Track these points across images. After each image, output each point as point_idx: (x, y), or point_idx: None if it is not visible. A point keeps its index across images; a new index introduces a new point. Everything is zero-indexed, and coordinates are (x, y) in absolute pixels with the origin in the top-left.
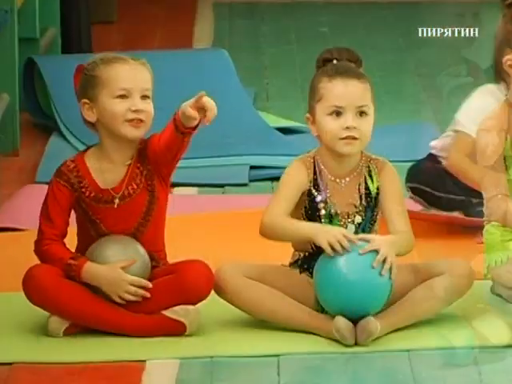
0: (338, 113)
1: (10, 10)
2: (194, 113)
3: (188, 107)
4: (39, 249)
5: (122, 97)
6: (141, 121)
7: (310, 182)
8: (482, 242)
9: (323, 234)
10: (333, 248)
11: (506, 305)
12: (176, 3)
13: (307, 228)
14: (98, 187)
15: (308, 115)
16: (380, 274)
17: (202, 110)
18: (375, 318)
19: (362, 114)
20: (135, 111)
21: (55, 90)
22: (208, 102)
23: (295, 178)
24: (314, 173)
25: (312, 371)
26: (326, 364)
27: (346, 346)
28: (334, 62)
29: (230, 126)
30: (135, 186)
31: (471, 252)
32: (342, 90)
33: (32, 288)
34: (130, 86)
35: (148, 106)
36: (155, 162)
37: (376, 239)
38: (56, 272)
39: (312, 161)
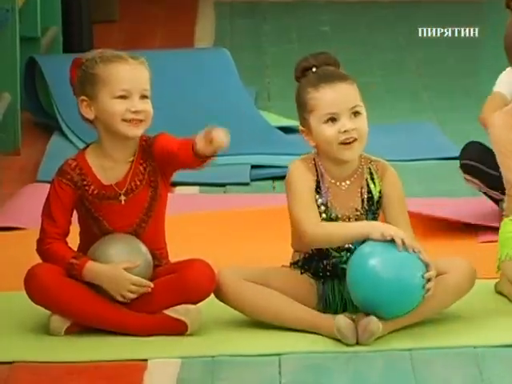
0: (333, 119)
1: (12, 9)
2: (204, 148)
3: (200, 141)
4: (41, 248)
5: (122, 97)
6: (140, 121)
7: (314, 183)
8: (483, 242)
9: (378, 230)
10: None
11: (509, 304)
12: (177, 2)
13: (358, 228)
14: (100, 184)
15: (302, 128)
16: (413, 278)
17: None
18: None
19: (355, 114)
20: (134, 112)
21: (56, 89)
22: (217, 137)
23: (305, 183)
24: (316, 175)
25: (313, 370)
26: (327, 363)
27: (348, 345)
28: (314, 69)
29: (231, 126)
30: (138, 183)
31: (472, 252)
32: (332, 96)
33: (34, 287)
34: (129, 86)
35: (147, 106)
36: (162, 162)
37: (425, 254)
38: (58, 271)
39: (313, 162)
